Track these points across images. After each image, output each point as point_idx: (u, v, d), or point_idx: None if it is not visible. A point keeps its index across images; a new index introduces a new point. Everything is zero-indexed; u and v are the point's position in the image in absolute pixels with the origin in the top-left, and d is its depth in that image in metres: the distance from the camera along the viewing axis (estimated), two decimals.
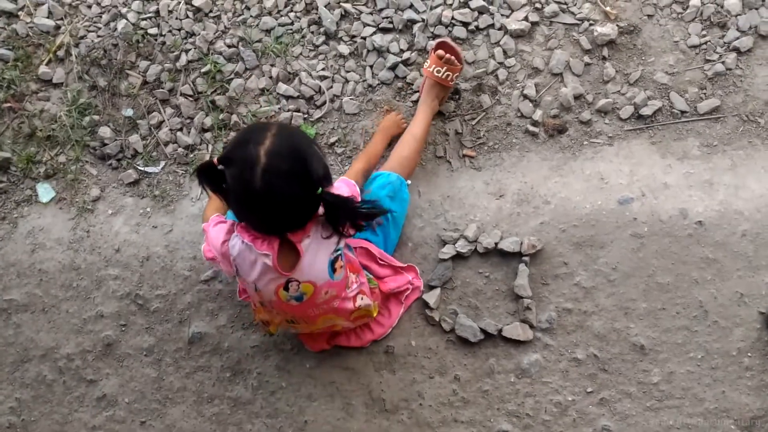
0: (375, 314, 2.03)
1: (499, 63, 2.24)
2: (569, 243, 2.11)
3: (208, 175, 1.55)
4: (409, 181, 2.14)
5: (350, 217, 1.65)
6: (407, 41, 2.27)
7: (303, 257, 1.68)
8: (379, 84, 2.28)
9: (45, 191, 2.37)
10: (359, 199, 1.77)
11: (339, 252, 1.76)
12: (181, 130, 2.34)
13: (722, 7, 2.17)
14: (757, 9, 2.15)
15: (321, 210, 1.63)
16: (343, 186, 1.84)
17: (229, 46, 2.35)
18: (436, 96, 2.15)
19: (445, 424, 2.11)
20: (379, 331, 2.12)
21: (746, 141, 2.12)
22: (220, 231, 1.74)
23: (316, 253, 1.71)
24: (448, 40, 2.17)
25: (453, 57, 2.10)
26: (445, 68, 2.09)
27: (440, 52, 2.10)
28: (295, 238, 1.66)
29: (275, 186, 1.49)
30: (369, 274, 2.03)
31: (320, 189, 1.56)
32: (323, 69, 2.31)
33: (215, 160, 1.54)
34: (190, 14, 2.37)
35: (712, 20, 2.17)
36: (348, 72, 2.30)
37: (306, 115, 2.29)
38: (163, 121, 2.35)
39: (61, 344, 2.28)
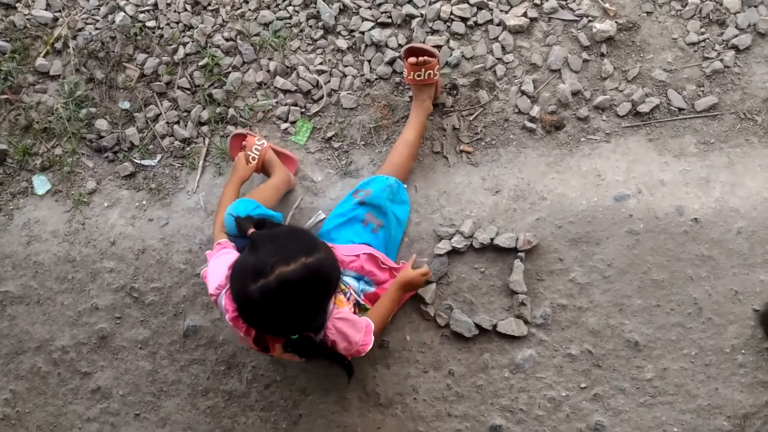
0: None
1: (497, 59, 2.24)
2: (565, 239, 2.11)
3: (240, 227, 1.55)
4: (405, 185, 2.14)
5: (309, 356, 1.67)
6: (406, 36, 2.27)
7: (274, 353, 1.71)
8: (376, 79, 2.28)
9: (41, 183, 2.36)
10: (363, 347, 1.77)
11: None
12: (177, 123, 2.34)
13: (721, 4, 2.16)
14: (756, 7, 2.14)
15: None
16: (360, 327, 1.78)
17: (227, 40, 2.34)
18: (428, 97, 2.15)
19: (439, 419, 2.12)
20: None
21: (743, 139, 2.12)
22: (215, 275, 1.72)
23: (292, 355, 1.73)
24: (413, 43, 2.19)
25: (425, 56, 2.08)
26: (423, 69, 2.08)
27: (411, 59, 2.08)
28: (270, 342, 1.67)
29: (261, 306, 1.47)
30: (366, 287, 2.03)
31: (296, 335, 1.55)
32: (321, 63, 2.30)
33: (252, 230, 1.54)
34: (188, 7, 2.37)
35: (710, 18, 2.17)
36: (346, 66, 2.30)
37: (303, 110, 2.29)
38: (160, 114, 2.34)
39: (55, 336, 2.28)
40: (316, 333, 1.65)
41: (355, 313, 1.88)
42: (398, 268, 2.06)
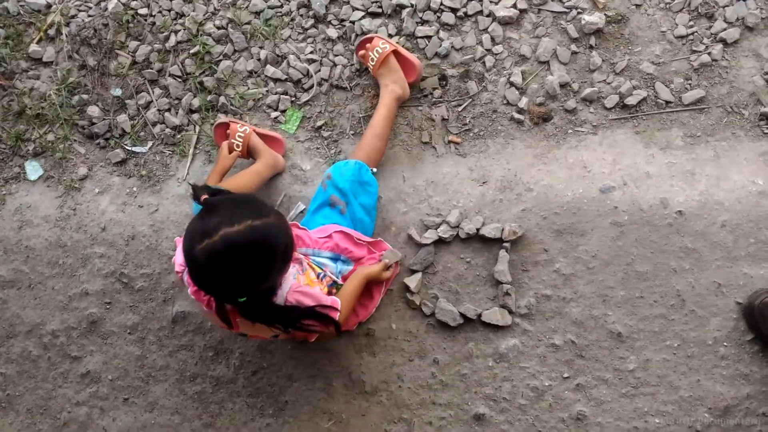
0: None
1: (486, 50, 2.24)
2: (550, 230, 2.12)
3: (195, 194, 1.54)
4: (375, 169, 2.14)
5: (275, 320, 1.62)
6: (396, 26, 2.28)
7: (238, 328, 1.69)
8: (366, 68, 2.28)
9: (33, 169, 2.38)
10: (333, 314, 1.74)
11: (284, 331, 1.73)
12: (168, 110, 2.35)
13: None
14: (744, 0, 2.15)
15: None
16: (322, 300, 1.76)
17: (218, 28, 2.35)
18: (390, 81, 2.18)
19: (424, 407, 2.14)
20: (363, 313, 2.13)
21: (730, 132, 2.13)
22: (181, 254, 1.72)
23: (260, 328, 1.71)
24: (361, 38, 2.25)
25: (366, 45, 2.18)
26: (370, 53, 2.17)
27: (360, 51, 2.20)
28: (232, 316, 1.65)
29: (205, 268, 1.46)
30: (342, 267, 2.04)
31: (244, 298, 1.52)
32: (311, 52, 2.31)
33: (204, 197, 1.52)
34: None
35: (699, 11, 2.17)
36: (336, 56, 2.31)
37: (293, 98, 2.30)
38: (152, 101, 2.36)
39: (46, 321, 2.30)
40: (267, 298, 1.61)
41: (331, 293, 1.89)
42: (375, 242, 2.08)
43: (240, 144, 2.15)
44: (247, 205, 1.53)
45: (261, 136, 2.20)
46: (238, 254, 1.44)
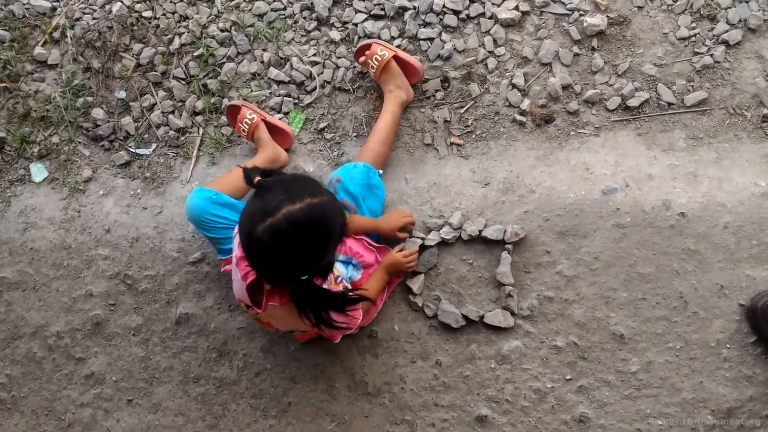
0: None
1: (488, 52, 2.25)
2: (552, 232, 2.12)
3: (248, 177, 1.56)
4: (380, 171, 2.16)
5: (318, 308, 1.65)
6: (398, 28, 2.28)
7: (262, 311, 1.72)
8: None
9: (38, 171, 2.40)
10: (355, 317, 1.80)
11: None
12: (172, 112, 2.36)
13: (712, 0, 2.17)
14: (746, 2, 2.14)
15: None
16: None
17: (221, 31, 2.36)
18: (395, 86, 2.18)
19: (426, 408, 2.14)
20: (366, 315, 2.14)
21: (732, 134, 2.12)
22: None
23: (284, 318, 1.75)
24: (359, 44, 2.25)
25: (366, 52, 2.19)
26: (370, 60, 2.17)
27: (361, 59, 2.20)
28: (266, 298, 1.68)
29: (269, 246, 1.47)
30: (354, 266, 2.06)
31: (306, 276, 1.55)
32: (314, 54, 2.32)
33: (257, 178, 1.53)
34: None
35: (701, 12, 2.17)
36: (339, 58, 2.31)
37: (296, 101, 2.31)
38: (156, 103, 2.37)
39: (51, 322, 2.31)
40: (324, 276, 1.64)
41: None
42: (381, 249, 2.10)
43: (246, 130, 2.22)
44: (303, 184, 1.55)
45: (270, 125, 2.23)
46: (301, 231, 1.47)
